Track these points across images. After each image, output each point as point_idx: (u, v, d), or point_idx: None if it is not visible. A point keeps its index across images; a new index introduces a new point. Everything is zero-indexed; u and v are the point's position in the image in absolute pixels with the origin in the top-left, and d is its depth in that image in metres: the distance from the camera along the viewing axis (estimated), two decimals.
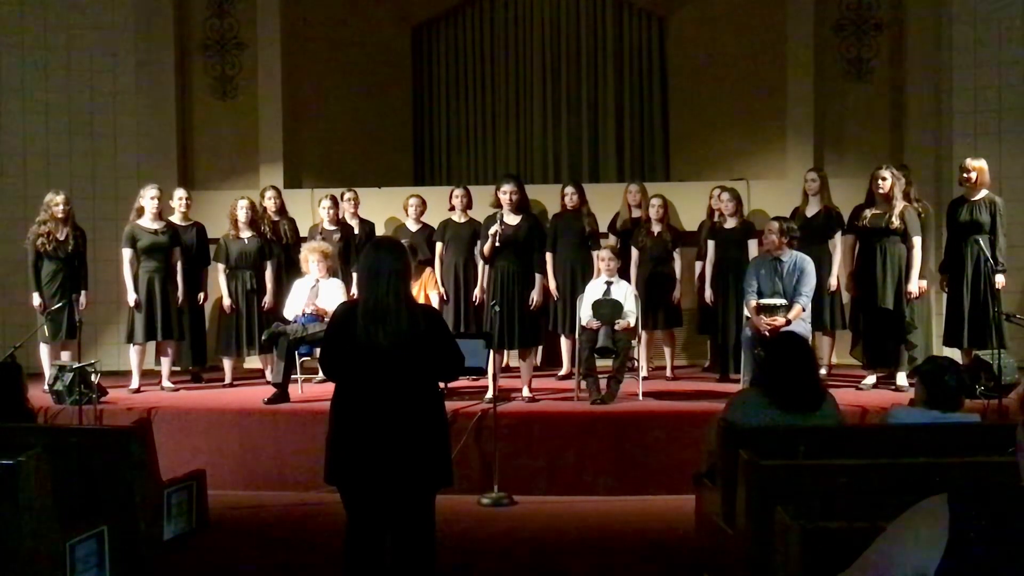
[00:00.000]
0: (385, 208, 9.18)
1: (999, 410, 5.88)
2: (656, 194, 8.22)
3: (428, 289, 8.00)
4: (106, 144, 9.50)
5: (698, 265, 8.36)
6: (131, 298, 7.67)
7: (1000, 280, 6.94)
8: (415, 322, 3.65)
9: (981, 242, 6.97)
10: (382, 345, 3.59)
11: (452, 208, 8.25)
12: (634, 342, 7.27)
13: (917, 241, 7.10)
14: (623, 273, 7.74)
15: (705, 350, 8.73)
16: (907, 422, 4.40)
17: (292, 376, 7.35)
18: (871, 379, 7.30)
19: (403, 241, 7.21)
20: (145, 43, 9.58)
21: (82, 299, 7.67)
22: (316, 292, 7.64)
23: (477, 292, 7.85)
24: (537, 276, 7.33)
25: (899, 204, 7.07)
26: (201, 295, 8.28)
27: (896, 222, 7.04)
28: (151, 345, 7.90)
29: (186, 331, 7.98)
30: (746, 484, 3.86)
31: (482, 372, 6.11)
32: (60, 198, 7.79)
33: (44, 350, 7.79)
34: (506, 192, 7.16)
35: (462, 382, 7.16)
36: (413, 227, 8.51)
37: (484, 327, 7.36)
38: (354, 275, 6.72)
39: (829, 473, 3.74)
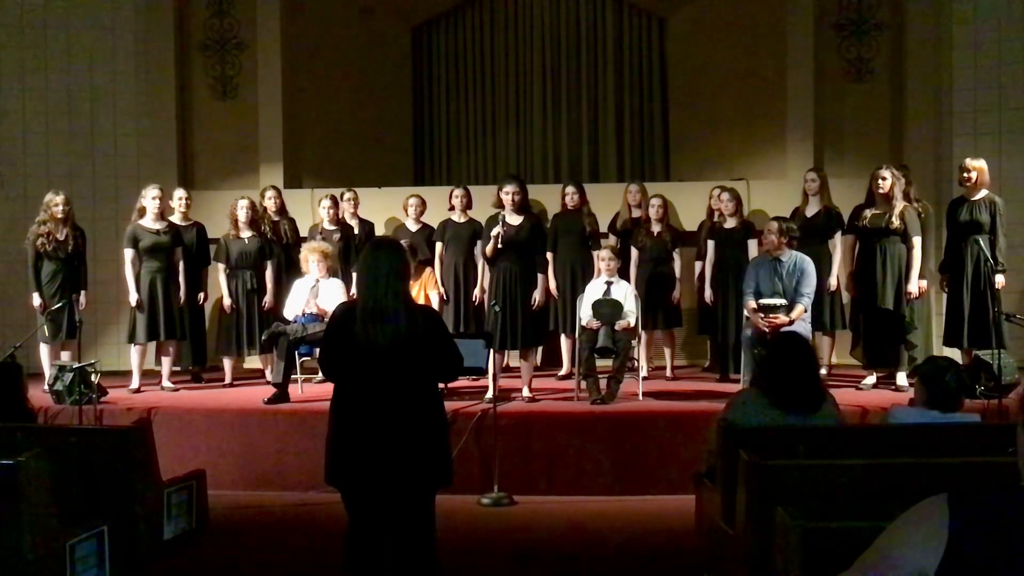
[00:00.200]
0: (385, 208, 9.18)
1: (999, 410, 5.88)
2: (656, 194, 8.22)
3: (428, 289, 8.00)
4: (106, 144, 9.50)
5: (698, 265, 8.37)
6: (133, 298, 7.68)
7: (1000, 280, 6.94)
8: (414, 322, 3.65)
9: (981, 242, 6.97)
10: (381, 345, 3.58)
11: (452, 208, 8.25)
12: (634, 342, 7.27)
13: (917, 241, 7.10)
14: (623, 273, 7.75)
15: (705, 350, 8.74)
16: (907, 422, 4.40)
17: (292, 376, 7.36)
18: (871, 379, 7.30)
19: (403, 241, 7.23)
20: (145, 43, 9.58)
21: (82, 299, 7.67)
22: (316, 292, 7.64)
23: (477, 292, 7.86)
24: (539, 276, 7.33)
25: (899, 204, 7.07)
26: (201, 295, 8.28)
27: (896, 222, 7.05)
28: (151, 345, 7.90)
29: (187, 331, 7.99)
30: (746, 484, 3.86)
31: (482, 372, 6.10)
32: (60, 198, 7.79)
33: (44, 350, 7.79)
34: (508, 193, 7.16)
35: (462, 382, 7.16)
36: (413, 227, 8.51)
37: (485, 327, 7.36)
38: (354, 275, 6.72)
39: (829, 473, 3.74)
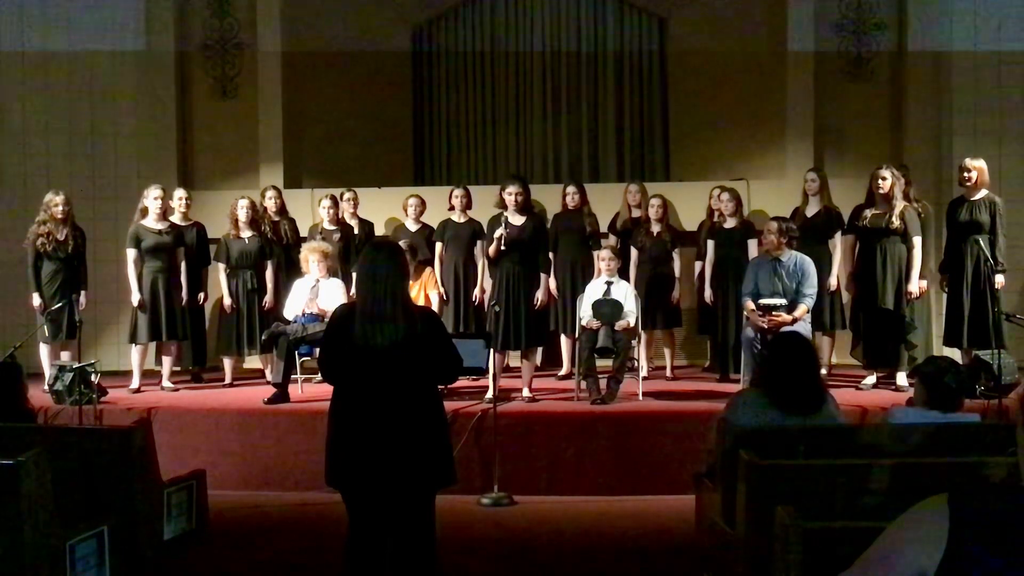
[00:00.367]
0: (385, 208, 9.17)
1: (999, 410, 5.88)
2: (656, 194, 8.22)
3: (428, 289, 8.00)
4: (106, 144, 9.49)
5: (698, 265, 8.37)
6: (135, 298, 7.68)
7: (1000, 280, 6.95)
8: (413, 324, 3.65)
9: (981, 242, 6.97)
10: (380, 347, 3.58)
11: (452, 208, 8.24)
12: (634, 342, 7.27)
13: (917, 241, 7.10)
14: (623, 273, 7.75)
15: (705, 350, 8.73)
16: (907, 422, 4.40)
17: (292, 376, 7.36)
18: (871, 379, 7.30)
19: (403, 241, 7.26)
20: (145, 43, 9.58)
21: (82, 299, 7.67)
22: (316, 292, 7.64)
23: (477, 292, 7.86)
24: (542, 276, 7.33)
25: (899, 204, 7.08)
26: (201, 295, 8.28)
27: (896, 222, 7.05)
28: (152, 345, 7.90)
29: (188, 331, 7.99)
30: (746, 484, 3.86)
31: (482, 372, 6.10)
32: (60, 198, 7.80)
33: (44, 350, 7.79)
34: (512, 193, 7.15)
35: (462, 382, 7.15)
36: (413, 227, 8.51)
37: (485, 327, 7.36)
38: (353, 276, 6.72)
39: (829, 473, 3.74)
